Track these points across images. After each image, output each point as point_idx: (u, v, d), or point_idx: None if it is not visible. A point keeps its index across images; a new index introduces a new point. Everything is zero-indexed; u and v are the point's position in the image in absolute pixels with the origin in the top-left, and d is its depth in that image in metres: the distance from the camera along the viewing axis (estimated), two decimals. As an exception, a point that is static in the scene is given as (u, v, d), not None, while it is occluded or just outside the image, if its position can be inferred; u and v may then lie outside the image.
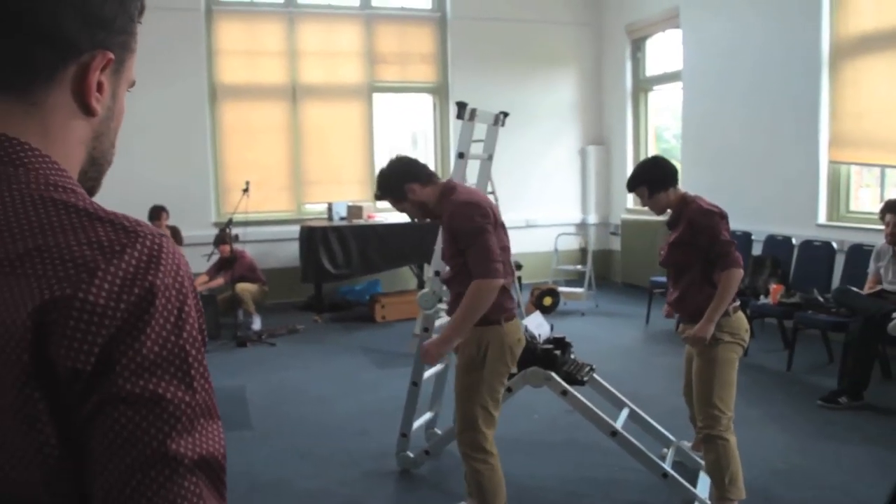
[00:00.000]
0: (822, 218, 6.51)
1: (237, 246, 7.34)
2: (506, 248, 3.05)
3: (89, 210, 0.72)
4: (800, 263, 6.28)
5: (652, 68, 9.12)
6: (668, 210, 3.45)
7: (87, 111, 0.79)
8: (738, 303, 3.33)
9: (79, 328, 0.65)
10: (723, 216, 3.30)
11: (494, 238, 2.92)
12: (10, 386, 0.65)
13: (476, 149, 4.00)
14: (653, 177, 3.40)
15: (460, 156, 3.73)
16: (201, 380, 0.72)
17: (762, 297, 6.02)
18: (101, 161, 0.85)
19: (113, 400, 0.66)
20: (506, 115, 4.38)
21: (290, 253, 8.30)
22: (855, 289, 5.16)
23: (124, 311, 0.67)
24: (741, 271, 3.26)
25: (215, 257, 7.26)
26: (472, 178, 4.51)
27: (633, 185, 3.47)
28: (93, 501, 0.68)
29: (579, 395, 3.51)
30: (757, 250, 6.74)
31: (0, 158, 0.73)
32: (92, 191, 0.86)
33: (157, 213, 7.18)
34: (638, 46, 9.17)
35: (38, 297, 0.65)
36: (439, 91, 9.16)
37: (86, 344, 0.66)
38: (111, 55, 0.78)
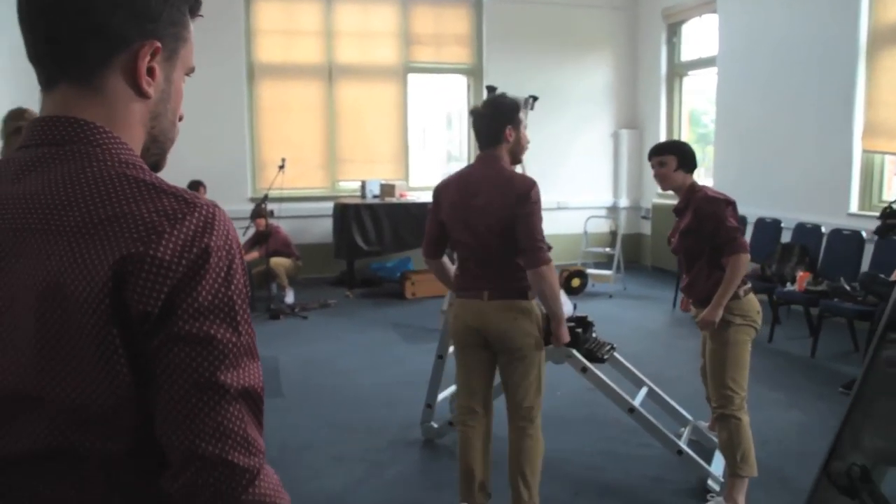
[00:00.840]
0: (853, 207, 6.49)
1: (272, 221, 7.52)
2: None
3: (156, 184, 0.87)
4: (828, 251, 6.28)
5: (687, 53, 9.09)
6: (676, 194, 3.55)
7: (141, 93, 0.92)
8: (749, 285, 3.39)
9: (149, 278, 0.81)
10: (729, 203, 3.35)
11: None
12: (93, 324, 0.81)
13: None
14: (683, 152, 3.50)
15: (489, 137, 3.82)
16: (245, 325, 0.87)
17: (789, 284, 6.04)
18: (161, 139, 0.99)
19: (174, 338, 0.82)
20: (535, 98, 4.46)
21: (323, 229, 8.47)
22: (882, 275, 5.17)
23: (185, 266, 0.82)
24: (747, 256, 3.31)
25: (251, 231, 7.46)
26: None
27: (662, 150, 3.54)
28: (154, 421, 0.84)
29: (598, 372, 3.62)
30: (786, 238, 6.74)
31: (80, 139, 0.88)
32: (157, 166, 1.01)
33: (195, 187, 7.37)
34: (674, 31, 9.14)
35: (117, 252, 0.81)
36: (474, 72, 9.22)
37: (154, 291, 0.81)
38: (158, 44, 0.91)
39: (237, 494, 0.84)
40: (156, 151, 1.00)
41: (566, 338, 3.11)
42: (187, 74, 1.02)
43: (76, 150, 0.88)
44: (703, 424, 4.00)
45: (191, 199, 0.87)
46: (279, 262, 7.39)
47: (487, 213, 2.93)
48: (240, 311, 0.86)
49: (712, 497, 3.43)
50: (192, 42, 1.00)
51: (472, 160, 3.74)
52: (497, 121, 3.02)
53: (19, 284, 0.83)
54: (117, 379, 0.82)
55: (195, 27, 1.01)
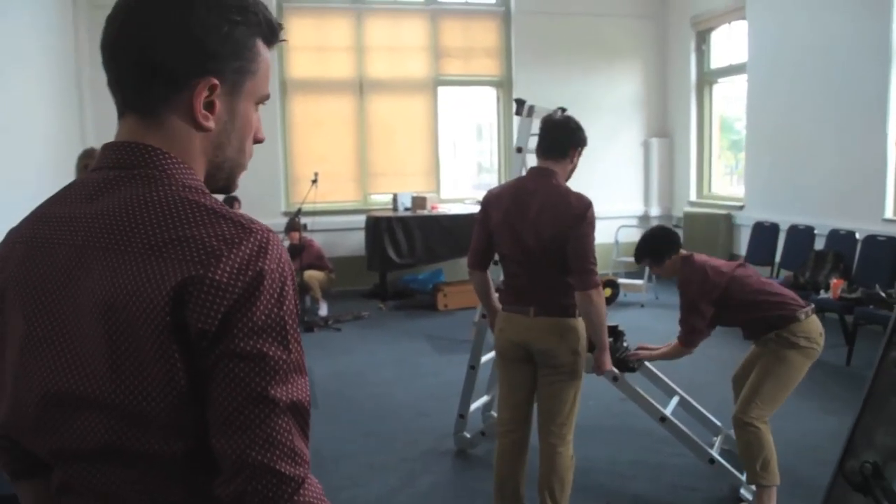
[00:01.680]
0: (888, 213, 6.42)
1: (306, 235, 7.64)
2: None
3: (215, 209, 0.94)
4: (863, 258, 6.22)
5: (717, 60, 9.06)
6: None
7: (198, 128, 1.00)
8: (811, 307, 3.45)
9: (207, 299, 0.87)
10: (704, 282, 3.42)
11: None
12: (155, 338, 0.88)
13: (533, 143, 4.13)
14: (654, 250, 3.64)
15: (518, 150, 3.88)
16: (295, 343, 0.93)
17: (823, 291, 6.00)
18: (226, 166, 1.06)
19: (229, 354, 0.88)
20: (564, 110, 4.49)
21: (356, 242, 8.57)
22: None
23: (241, 288, 0.89)
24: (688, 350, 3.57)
25: (285, 245, 7.58)
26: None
27: (639, 259, 3.77)
28: (208, 431, 0.91)
29: (630, 382, 3.64)
30: (819, 245, 6.69)
31: (147, 164, 0.97)
32: (227, 188, 1.10)
33: (229, 202, 7.52)
34: (703, 38, 9.12)
35: (179, 275, 0.88)
36: (503, 84, 9.29)
37: (212, 311, 0.87)
38: (215, 81, 0.98)
39: (283, 502, 0.91)
40: (222, 177, 1.08)
41: (608, 366, 3.18)
42: (260, 103, 1.07)
43: (144, 174, 0.96)
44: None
45: (247, 224, 0.93)
46: (313, 275, 7.50)
47: (540, 228, 2.89)
48: (290, 330, 0.93)
49: (744, 492, 3.46)
50: (263, 73, 1.04)
51: (514, 172, 3.81)
52: (570, 136, 3.05)
53: (87, 297, 0.91)
54: (175, 389, 0.89)
55: None
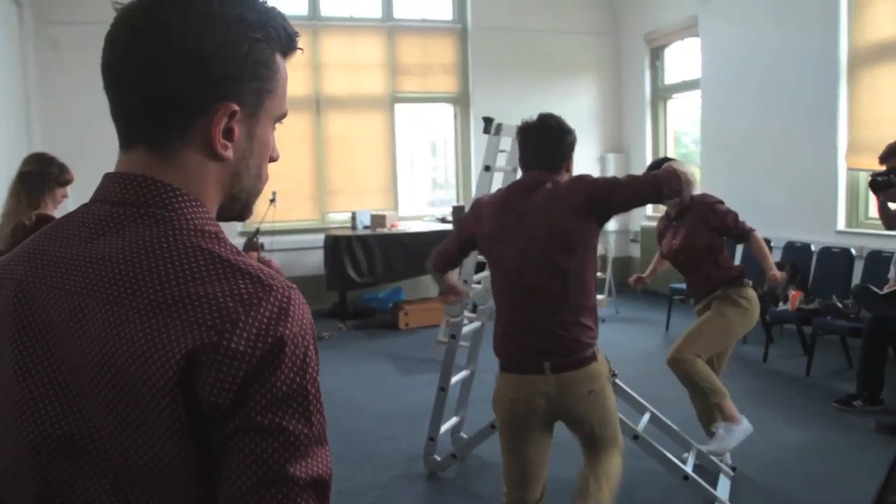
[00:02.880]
0: (841, 224, 6.56)
1: (264, 255, 7.51)
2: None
3: (232, 261, 0.84)
4: (819, 270, 6.34)
5: (671, 76, 9.21)
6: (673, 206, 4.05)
7: (216, 157, 0.89)
8: (751, 282, 3.92)
9: (222, 370, 0.78)
10: (721, 202, 3.99)
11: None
12: (162, 409, 0.78)
13: (500, 161, 4.12)
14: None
15: (486, 169, 3.86)
16: (318, 414, 0.84)
17: (781, 303, 6.08)
18: (242, 195, 0.96)
19: (245, 428, 0.79)
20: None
21: (314, 261, 8.46)
22: (874, 288, 5.19)
23: (259, 356, 0.79)
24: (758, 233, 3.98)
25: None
26: (496, 189, 4.64)
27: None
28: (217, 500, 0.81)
29: (602, 400, 3.62)
30: (776, 257, 6.77)
31: (157, 202, 0.86)
32: (243, 216, 1.00)
33: (250, 245, 7.40)
34: (657, 55, 9.26)
35: (190, 342, 0.78)
36: (460, 101, 9.29)
37: (227, 383, 0.78)
38: (235, 106, 0.87)
39: None
40: (238, 207, 0.98)
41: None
42: (279, 122, 0.98)
43: (152, 214, 0.85)
44: (706, 448, 4.00)
45: (266, 280, 0.83)
46: None
47: (555, 236, 2.50)
48: (313, 400, 0.83)
49: (717, 427, 3.69)
50: (281, 90, 0.95)
51: (481, 190, 3.73)
52: (567, 144, 2.68)
53: (86, 350, 0.82)
54: (184, 462, 0.80)
55: None
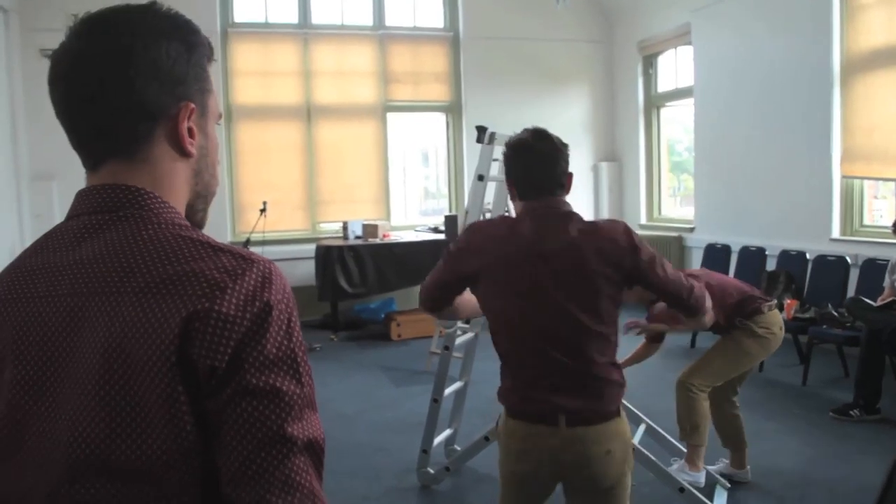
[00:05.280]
0: (835, 232, 6.53)
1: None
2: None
3: (211, 243, 0.90)
4: (814, 278, 6.30)
5: (664, 84, 9.19)
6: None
7: (184, 154, 0.96)
8: (773, 301, 3.80)
9: (215, 333, 0.82)
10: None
11: None
12: (158, 382, 0.81)
13: (493, 170, 4.07)
14: None
15: (480, 178, 3.80)
16: (307, 377, 0.88)
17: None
18: (204, 193, 1.02)
19: (241, 392, 0.82)
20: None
21: (306, 271, 8.36)
22: (867, 300, 5.17)
23: (248, 321, 0.83)
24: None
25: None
26: (490, 198, 4.54)
27: None
28: (219, 475, 0.84)
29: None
30: (771, 265, 6.76)
31: (132, 204, 0.91)
32: (202, 222, 1.04)
33: None
34: (650, 63, 9.25)
35: (183, 310, 0.82)
36: (452, 109, 9.25)
37: (221, 346, 0.82)
38: (192, 105, 0.95)
39: None
40: (201, 207, 1.03)
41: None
42: (217, 122, 1.04)
43: (129, 215, 0.90)
44: (725, 464, 3.96)
45: (247, 255, 0.89)
46: None
47: (582, 292, 2.15)
48: (301, 362, 0.88)
49: (675, 461, 3.72)
50: (215, 90, 1.02)
51: (475, 200, 3.65)
52: (563, 161, 2.33)
53: (82, 351, 0.84)
54: (182, 437, 0.82)
55: None
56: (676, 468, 3.63)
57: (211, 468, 0.85)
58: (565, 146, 2.34)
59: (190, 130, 0.96)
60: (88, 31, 0.91)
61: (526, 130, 2.33)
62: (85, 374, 0.83)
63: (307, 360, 0.89)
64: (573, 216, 2.26)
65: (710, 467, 3.81)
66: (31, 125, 7.01)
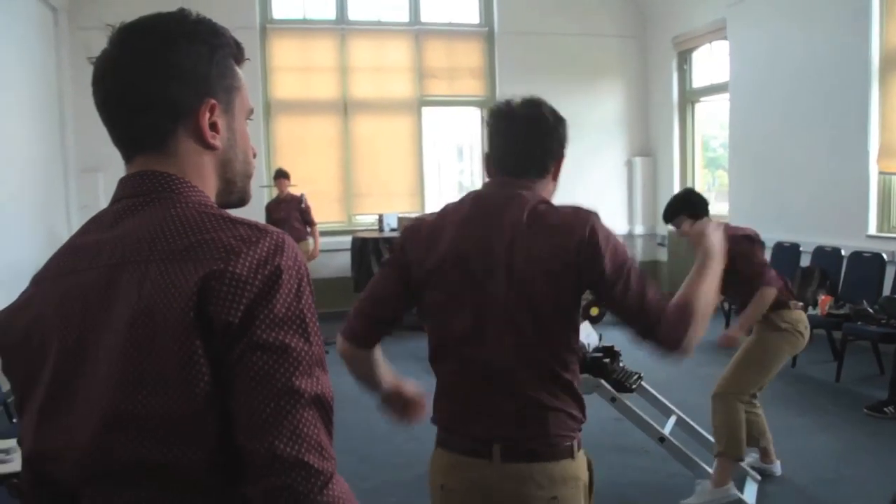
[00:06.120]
0: (872, 229, 6.48)
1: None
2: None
3: (232, 217, 1.00)
4: (849, 275, 6.27)
5: (699, 80, 9.16)
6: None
7: (208, 147, 1.06)
8: (801, 304, 3.69)
9: (230, 292, 0.91)
10: (752, 239, 3.58)
11: None
12: (178, 337, 0.90)
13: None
14: (691, 205, 3.66)
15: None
16: (315, 337, 0.96)
17: (811, 308, 6.02)
18: (235, 179, 1.12)
19: (253, 347, 0.90)
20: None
21: (342, 263, 8.50)
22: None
23: (260, 281, 0.92)
24: (774, 291, 3.53)
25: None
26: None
27: (671, 214, 3.71)
28: (233, 427, 0.92)
29: (628, 402, 3.62)
30: (805, 261, 6.74)
31: (164, 188, 1.02)
32: (243, 201, 1.16)
33: (283, 173, 7.58)
34: (684, 58, 9.22)
35: (201, 271, 0.91)
36: (487, 104, 9.29)
37: (234, 303, 0.91)
38: (213, 101, 1.04)
39: (313, 495, 0.90)
40: (235, 191, 1.13)
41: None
42: (249, 117, 1.14)
43: (161, 197, 1.01)
44: (756, 458, 3.98)
45: (262, 227, 0.98)
46: None
47: (524, 274, 1.68)
48: (310, 323, 0.95)
49: (700, 483, 3.58)
50: (244, 87, 1.11)
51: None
52: (559, 137, 1.87)
53: (116, 315, 0.94)
54: (199, 389, 0.91)
55: None
56: (699, 490, 3.54)
57: (228, 421, 0.92)
58: (561, 122, 1.87)
59: (214, 125, 1.05)
60: (121, 38, 1.03)
61: (518, 96, 1.85)
62: (116, 337, 0.93)
63: (317, 322, 0.96)
64: (523, 201, 1.74)
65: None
66: (78, 120, 7.22)
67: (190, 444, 0.92)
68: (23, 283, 1.08)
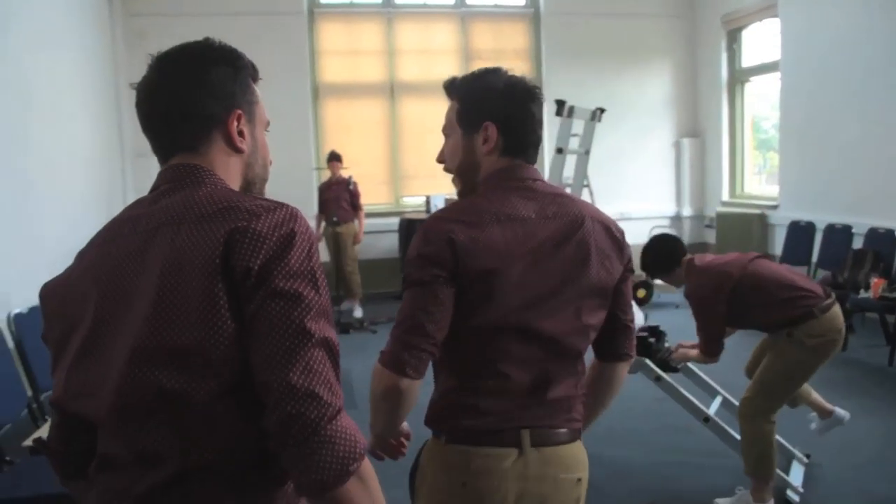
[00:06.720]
0: (927, 210, 6.35)
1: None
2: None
3: (253, 193, 1.27)
4: (903, 257, 6.15)
5: (748, 59, 9.00)
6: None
7: (236, 150, 1.27)
8: (829, 300, 3.30)
9: (251, 244, 1.07)
10: (717, 287, 3.32)
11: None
12: (204, 278, 1.07)
13: (573, 144, 4.16)
14: (656, 263, 3.64)
15: (559, 151, 3.90)
16: (324, 290, 1.12)
17: (863, 291, 5.94)
18: (255, 181, 1.32)
19: (271, 294, 1.06)
20: (602, 110, 4.52)
21: (389, 244, 8.62)
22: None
23: (277, 239, 1.08)
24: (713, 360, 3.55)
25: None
26: (568, 172, 4.67)
27: (647, 271, 3.75)
28: (251, 365, 1.07)
29: (673, 382, 3.64)
30: (857, 243, 6.62)
31: (196, 174, 1.22)
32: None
33: (335, 156, 7.79)
34: (734, 37, 9.07)
35: (228, 227, 1.09)
36: (533, 86, 9.29)
37: (254, 253, 1.07)
38: (240, 111, 1.26)
39: (323, 424, 1.04)
40: (254, 192, 1.32)
41: None
42: (265, 129, 1.34)
43: (194, 181, 1.20)
44: (816, 421, 3.95)
45: (279, 202, 1.15)
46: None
47: (595, 282, 1.66)
48: (319, 278, 1.11)
49: (740, 489, 3.46)
50: (261, 103, 1.32)
51: (554, 173, 3.68)
52: (485, 102, 1.74)
53: (149, 268, 1.10)
54: (221, 326, 1.06)
55: (262, 50, 1.50)
56: (740, 497, 3.43)
57: (242, 359, 1.07)
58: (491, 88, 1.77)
59: (240, 132, 1.26)
60: (160, 65, 1.24)
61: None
62: (149, 283, 1.09)
63: (324, 279, 1.12)
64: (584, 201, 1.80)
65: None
66: (132, 106, 7.40)
67: (205, 375, 1.06)
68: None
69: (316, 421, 1.03)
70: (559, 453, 1.65)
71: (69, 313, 1.18)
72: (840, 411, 3.84)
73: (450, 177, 1.84)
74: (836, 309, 3.31)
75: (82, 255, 1.23)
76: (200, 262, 1.07)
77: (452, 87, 1.85)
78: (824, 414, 3.86)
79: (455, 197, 1.80)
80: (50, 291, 1.23)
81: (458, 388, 1.68)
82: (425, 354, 1.58)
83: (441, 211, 1.71)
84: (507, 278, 1.57)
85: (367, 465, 1.10)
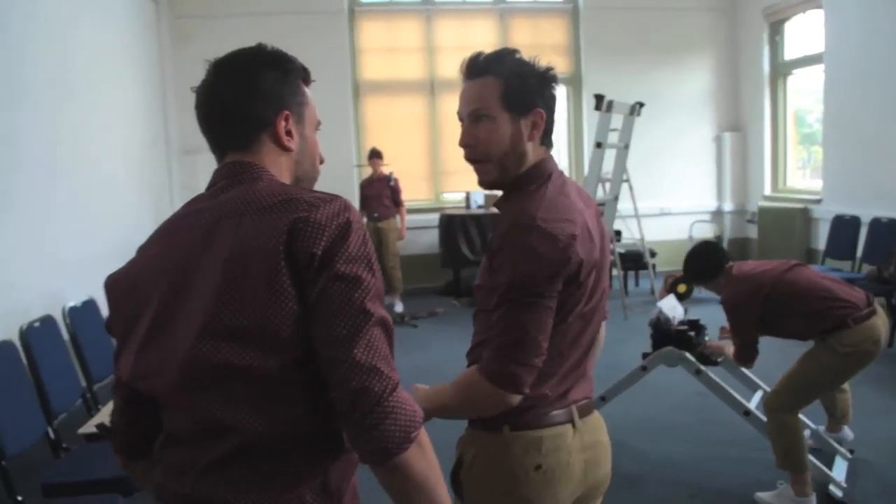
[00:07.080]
0: (976, 204, 6.23)
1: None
2: None
3: (306, 187, 1.33)
4: (950, 251, 6.04)
5: (791, 51, 8.88)
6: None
7: (285, 149, 1.33)
8: (869, 309, 3.26)
9: (312, 232, 1.14)
10: (751, 296, 3.34)
11: None
12: (269, 263, 1.13)
13: (612, 138, 4.18)
14: (698, 270, 3.62)
15: (598, 145, 3.93)
16: (378, 273, 1.20)
17: (908, 285, 5.85)
18: (304, 178, 1.39)
19: (333, 278, 1.13)
20: (642, 105, 4.52)
21: (430, 240, 8.70)
22: None
23: (335, 227, 1.15)
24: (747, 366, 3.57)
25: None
26: (607, 167, 4.66)
27: (689, 279, 3.84)
28: (316, 343, 1.14)
29: (713, 375, 3.65)
30: (904, 238, 6.51)
31: (251, 171, 1.29)
32: None
33: (376, 153, 7.85)
34: (776, 29, 8.96)
35: (290, 218, 1.16)
36: (573, 82, 9.29)
37: (317, 240, 1.14)
38: (288, 112, 1.32)
39: (385, 395, 1.12)
40: (303, 187, 1.37)
41: None
42: (317, 129, 1.40)
43: (251, 178, 1.27)
44: (823, 429, 3.96)
45: (334, 194, 1.22)
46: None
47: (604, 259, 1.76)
48: (374, 263, 1.18)
49: (781, 483, 3.45)
50: (312, 103, 1.38)
51: (593, 168, 3.70)
52: (531, 90, 1.66)
53: (213, 256, 1.17)
54: (285, 306, 1.13)
55: (304, 49, 1.51)
56: (781, 491, 3.41)
57: (305, 338, 1.14)
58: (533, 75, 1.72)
59: (289, 132, 1.33)
60: (215, 70, 1.31)
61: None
62: (214, 270, 1.16)
63: (377, 265, 1.20)
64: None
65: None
66: (180, 103, 7.60)
67: (269, 352, 1.13)
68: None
69: (379, 393, 1.12)
70: (595, 420, 1.77)
71: (135, 300, 1.25)
72: (848, 434, 3.86)
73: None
74: (875, 320, 3.25)
75: (144, 248, 1.31)
76: (265, 249, 1.13)
77: (491, 64, 1.65)
78: (834, 427, 3.88)
79: (491, 193, 1.85)
80: (114, 282, 1.31)
81: None
82: (537, 368, 1.58)
83: (544, 212, 1.57)
84: (587, 268, 1.59)
85: (424, 434, 1.19)
